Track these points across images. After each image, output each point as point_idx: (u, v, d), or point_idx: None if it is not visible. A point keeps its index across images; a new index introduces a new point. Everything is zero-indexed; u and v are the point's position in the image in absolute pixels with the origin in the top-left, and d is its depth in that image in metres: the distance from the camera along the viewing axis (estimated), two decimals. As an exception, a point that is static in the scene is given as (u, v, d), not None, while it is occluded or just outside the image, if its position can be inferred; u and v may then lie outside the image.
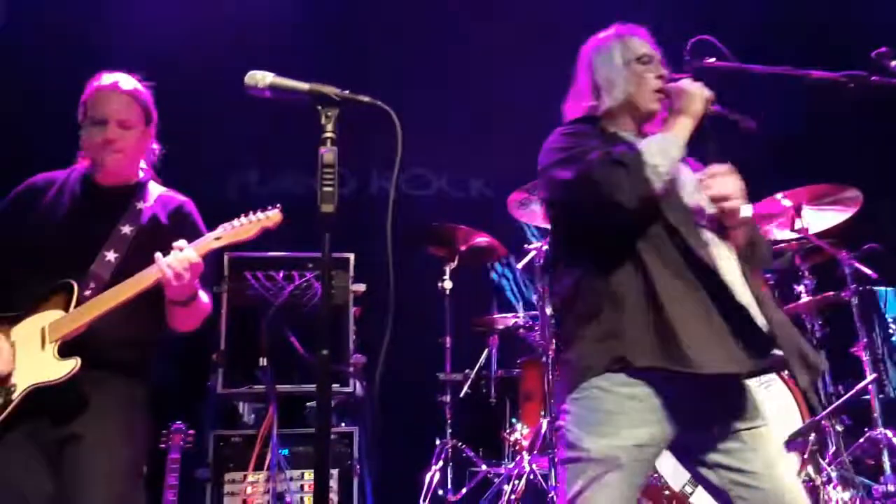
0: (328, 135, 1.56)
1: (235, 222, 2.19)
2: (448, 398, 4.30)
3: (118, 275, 2.22)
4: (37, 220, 2.34)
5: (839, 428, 3.68)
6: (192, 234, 2.30)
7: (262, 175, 5.64)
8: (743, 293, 1.94)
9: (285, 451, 3.50)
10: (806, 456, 3.30)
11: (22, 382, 2.11)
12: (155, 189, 2.51)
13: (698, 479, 2.01)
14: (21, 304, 2.23)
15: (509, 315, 4.54)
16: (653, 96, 2.12)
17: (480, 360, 4.51)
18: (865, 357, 3.72)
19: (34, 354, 2.14)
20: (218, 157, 5.31)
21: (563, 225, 2.16)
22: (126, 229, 2.33)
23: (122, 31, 5.03)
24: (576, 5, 5.58)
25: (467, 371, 4.49)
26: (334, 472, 3.55)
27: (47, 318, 2.18)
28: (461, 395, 4.42)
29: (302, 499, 3.48)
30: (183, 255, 2.12)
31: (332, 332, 3.80)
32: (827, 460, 3.46)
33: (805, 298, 3.96)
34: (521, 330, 4.39)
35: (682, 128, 2.01)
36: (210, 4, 5.26)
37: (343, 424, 3.79)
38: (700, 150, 2.17)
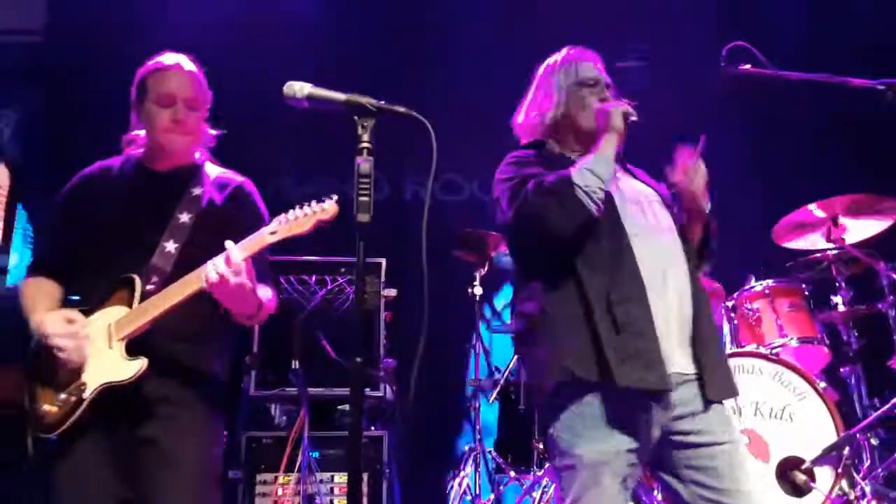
0: (364, 145, 1.58)
1: (290, 215, 2.04)
2: (477, 404, 4.31)
3: (181, 266, 2.13)
4: (95, 213, 2.27)
5: (874, 442, 3.63)
6: (252, 218, 2.24)
7: (297, 180, 5.70)
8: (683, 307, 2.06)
9: (316, 454, 3.54)
10: (840, 470, 3.25)
11: (92, 381, 2.05)
12: (212, 171, 2.41)
13: (667, 492, 2.10)
14: (88, 299, 2.17)
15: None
16: (591, 118, 2.23)
17: (510, 366, 4.51)
18: (903, 370, 3.66)
19: (102, 352, 2.07)
20: (254, 160, 5.37)
21: (518, 253, 2.30)
22: (184, 217, 2.24)
23: (158, 33, 5.14)
24: (611, 9, 5.59)
25: (497, 377, 4.50)
26: (364, 475, 3.58)
27: (112, 314, 2.11)
28: (490, 400, 4.43)
29: (332, 501, 3.52)
30: (221, 267, 1.98)
31: (363, 336, 3.89)
32: (861, 474, 3.41)
33: (841, 309, 3.91)
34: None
35: (608, 144, 2.11)
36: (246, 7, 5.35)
37: (373, 428, 3.83)
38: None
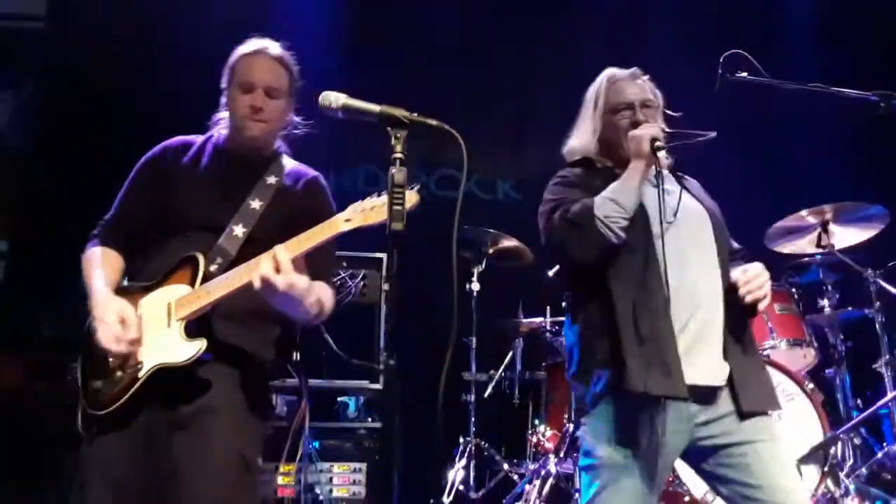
0: (398, 155, 1.62)
1: (367, 203, 1.96)
2: (472, 398, 4.39)
3: (246, 251, 2.09)
4: (168, 189, 2.23)
5: (857, 441, 3.76)
6: (321, 211, 2.19)
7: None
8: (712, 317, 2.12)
9: (316, 444, 3.60)
10: (825, 469, 3.37)
11: (148, 361, 1.99)
12: (288, 163, 2.38)
13: (715, 491, 2.16)
14: (152, 275, 2.13)
15: (536, 319, 4.61)
16: (626, 142, 2.28)
17: (505, 361, 4.59)
18: (887, 374, 3.78)
19: (160, 331, 2.02)
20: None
21: (561, 267, 2.46)
22: (256, 204, 2.21)
23: (160, 22, 5.15)
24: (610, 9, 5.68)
25: (492, 372, 4.58)
26: (363, 466, 3.65)
27: (174, 293, 2.06)
28: (485, 395, 4.52)
29: (331, 490, 3.59)
30: (266, 269, 1.89)
31: (363, 330, 3.95)
32: (845, 473, 3.53)
33: (828, 312, 4.03)
34: (548, 333, 4.48)
35: (634, 171, 2.16)
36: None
37: (370, 420, 3.91)
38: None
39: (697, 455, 2.13)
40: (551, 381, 4.46)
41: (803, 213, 3.96)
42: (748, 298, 2.10)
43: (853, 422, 3.61)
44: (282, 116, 2.34)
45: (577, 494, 3.62)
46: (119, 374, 2.01)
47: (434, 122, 1.66)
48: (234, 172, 2.29)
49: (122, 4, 5.24)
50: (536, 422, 4.43)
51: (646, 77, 2.41)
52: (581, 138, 2.41)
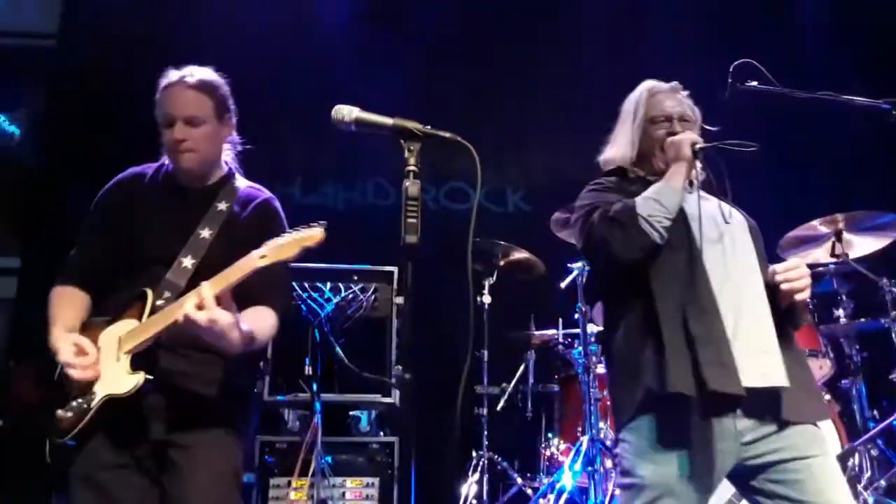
0: (411, 168, 1.62)
1: (281, 239, 2.02)
2: (485, 411, 4.36)
3: (195, 281, 2.07)
4: (122, 224, 2.29)
5: (874, 453, 3.71)
6: (273, 235, 2.14)
7: (305, 188, 5.75)
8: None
9: (328, 459, 3.59)
10: (844, 481, 3.32)
11: (100, 391, 2.09)
12: (241, 184, 2.39)
13: None
14: (113, 309, 2.20)
15: (548, 331, 4.59)
16: (660, 153, 2.29)
17: (517, 374, 4.57)
18: (905, 384, 3.74)
19: (111, 364, 2.11)
20: (262, 166, 5.43)
21: (594, 273, 2.38)
22: (205, 233, 2.23)
23: (170, 36, 5.20)
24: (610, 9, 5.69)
25: (504, 385, 4.56)
26: (375, 480, 3.64)
27: (125, 327, 2.14)
28: (498, 408, 4.49)
29: (343, 505, 3.58)
30: (192, 312, 1.93)
31: (374, 343, 3.95)
32: (863, 485, 3.49)
33: (843, 322, 4.00)
34: (560, 346, 4.46)
35: (675, 174, 2.16)
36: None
37: (382, 434, 3.89)
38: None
39: (743, 473, 2.04)
40: (564, 393, 4.44)
41: (816, 222, 3.94)
42: (785, 286, 2.05)
43: (870, 433, 3.57)
44: (211, 142, 2.31)
45: (592, 508, 3.58)
46: (75, 403, 2.10)
47: (448, 135, 1.66)
48: (185, 202, 2.31)
49: (132, 20, 5.29)
50: (550, 435, 4.40)
51: (685, 93, 2.42)
52: (619, 149, 2.39)
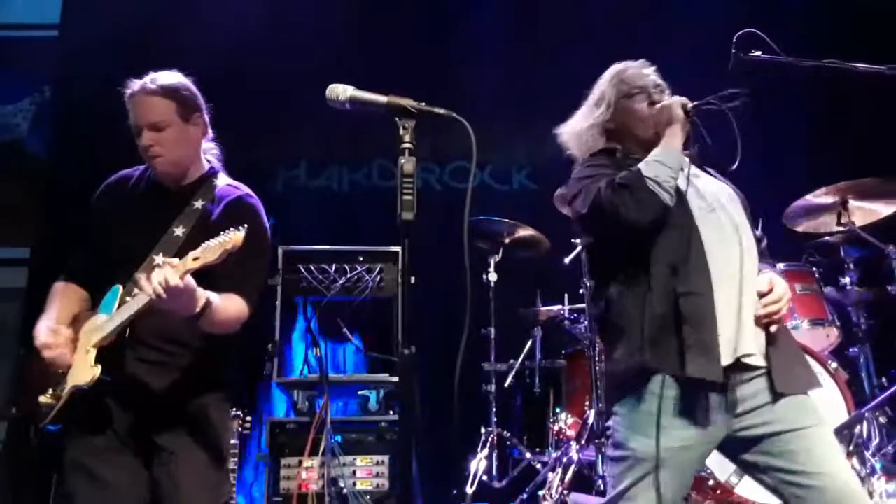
0: (406, 145, 1.63)
1: (210, 242, 2.06)
2: (493, 388, 4.38)
3: None
4: (109, 224, 2.38)
5: (882, 420, 3.71)
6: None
7: (310, 171, 5.76)
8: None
9: (338, 438, 3.63)
10: (851, 448, 3.33)
11: (70, 382, 2.19)
12: (220, 182, 2.44)
13: (756, 481, 2.09)
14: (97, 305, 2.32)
15: (554, 307, 4.60)
16: (645, 123, 2.30)
17: (524, 350, 4.59)
18: (912, 351, 3.73)
19: (80, 356, 2.21)
20: (267, 150, 5.46)
21: (592, 248, 2.39)
22: (178, 231, 2.30)
23: (170, 27, 5.20)
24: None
25: (511, 361, 4.58)
26: (385, 458, 3.67)
27: (97, 321, 2.24)
28: (506, 384, 4.51)
29: (354, 483, 3.61)
30: (160, 277, 1.99)
31: (381, 324, 3.97)
32: (871, 452, 3.49)
33: (850, 290, 3.98)
34: (566, 322, 4.47)
35: (672, 136, 2.19)
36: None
37: (391, 413, 3.92)
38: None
39: (735, 446, 2.07)
40: (571, 368, 4.45)
41: (822, 190, 3.92)
42: (765, 320, 2.06)
43: (877, 400, 3.56)
44: (178, 144, 2.35)
45: (599, 481, 3.61)
46: (51, 391, 2.22)
47: (442, 111, 1.66)
48: (165, 202, 2.38)
49: (133, 9, 5.29)
50: (557, 410, 4.42)
51: (653, 68, 2.43)
52: (594, 121, 2.39)
